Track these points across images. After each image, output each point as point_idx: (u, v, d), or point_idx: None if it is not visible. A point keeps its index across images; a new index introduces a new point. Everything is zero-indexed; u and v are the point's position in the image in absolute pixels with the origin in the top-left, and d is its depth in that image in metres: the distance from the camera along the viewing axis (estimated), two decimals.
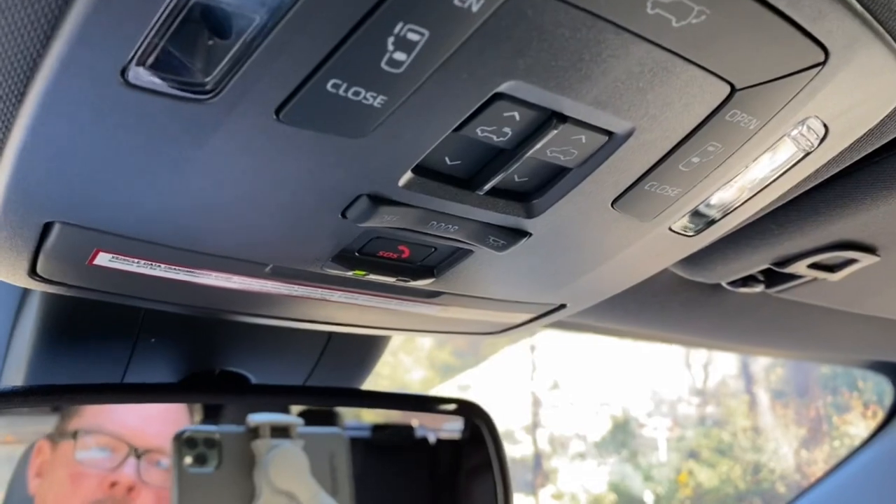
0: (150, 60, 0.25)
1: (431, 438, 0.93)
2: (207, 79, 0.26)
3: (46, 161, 0.29)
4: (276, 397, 0.67)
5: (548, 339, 7.69)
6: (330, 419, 0.88)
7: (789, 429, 6.98)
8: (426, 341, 8.14)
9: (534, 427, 7.87)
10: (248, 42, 0.24)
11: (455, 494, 0.86)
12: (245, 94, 0.26)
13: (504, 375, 8.16)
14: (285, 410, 0.70)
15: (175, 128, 0.27)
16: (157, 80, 0.25)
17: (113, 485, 0.70)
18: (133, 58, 0.24)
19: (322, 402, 0.69)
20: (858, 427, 6.28)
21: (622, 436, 7.71)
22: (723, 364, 7.67)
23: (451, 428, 0.94)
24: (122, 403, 0.68)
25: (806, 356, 1.15)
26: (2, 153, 0.29)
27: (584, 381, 7.83)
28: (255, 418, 0.66)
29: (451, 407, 0.74)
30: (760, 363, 7.20)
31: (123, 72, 0.25)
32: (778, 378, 7.40)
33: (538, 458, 7.69)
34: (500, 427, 0.76)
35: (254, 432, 0.65)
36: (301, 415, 0.73)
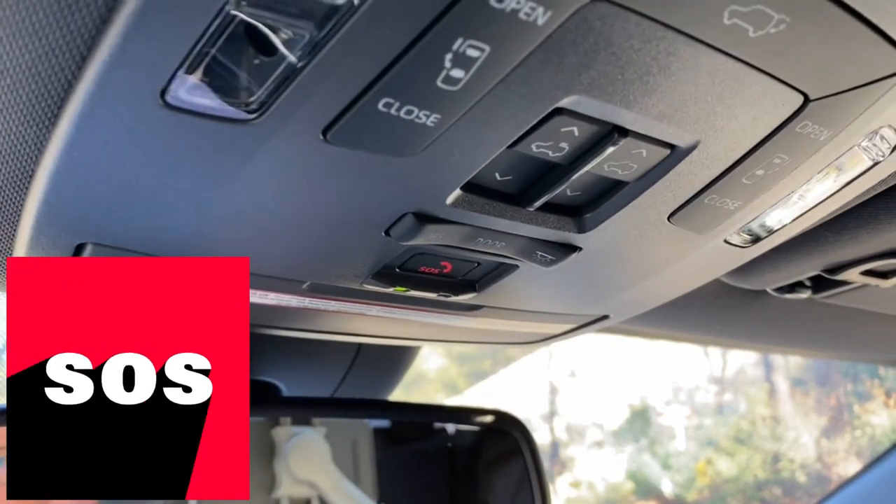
0: (191, 81, 0.23)
1: (450, 429, 0.92)
2: (252, 98, 0.24)
3: (80, 183, 0.27)
4: (306, 410, 0.64)
5: None
6: None
7: (809, 417, 6.91)
8: None
9: (551, 416, 7.87)
10: (295, 60, 0.23)
11: (475, 484, 0.84)
12: (291, 115, 0.25)
13: (521, 364, 8.15)
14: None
15: (216, 150, 0.26)
16: (198, 102, 0.24)
17: None
18: (173, 78, 0.23)
19: (353, 415, 0.67)
20: (881, 416, 6.20)
21: (640, 424, 7.68)
22: (741, 352, 7.60)
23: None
24: None
25: (845, 357, 1.12)
26: (34, 174, 0.28)
27: (602, 369, 7.80)
28: None
29: (489, 419, 0.72)
30: None
31: (163, 93, 0.23)
32: (797, 366, 7.32)
33: (555, 446, 7.69)
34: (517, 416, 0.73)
35: (274, 419, 0.62)
36: None
